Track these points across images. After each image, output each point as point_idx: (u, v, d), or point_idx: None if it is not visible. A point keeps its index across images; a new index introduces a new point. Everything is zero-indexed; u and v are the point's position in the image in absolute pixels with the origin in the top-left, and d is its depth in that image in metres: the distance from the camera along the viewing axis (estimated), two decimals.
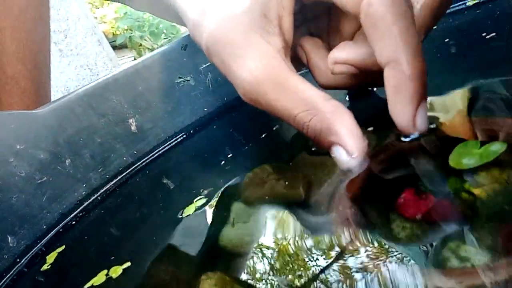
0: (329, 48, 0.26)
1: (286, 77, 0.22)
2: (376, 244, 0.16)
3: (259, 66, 0.22)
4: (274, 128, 0.31)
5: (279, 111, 0.22)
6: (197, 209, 0.24)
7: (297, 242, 0.18)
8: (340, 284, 0.15)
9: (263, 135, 0.31)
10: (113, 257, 0.23)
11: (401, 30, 0.18)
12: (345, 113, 0.20)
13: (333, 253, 0.17)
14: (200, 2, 0.30)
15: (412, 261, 0.15)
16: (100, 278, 0.21)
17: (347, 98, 0.31)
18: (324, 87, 0.26)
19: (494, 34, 0.29)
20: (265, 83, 0.22)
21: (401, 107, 0.19)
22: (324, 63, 0.25)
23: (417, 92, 0.19)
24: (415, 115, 0.19)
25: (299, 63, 0.28)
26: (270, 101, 0.22)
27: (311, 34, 0.28)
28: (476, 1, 0.36)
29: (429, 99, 0.22)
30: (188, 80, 0.36)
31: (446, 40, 0.33)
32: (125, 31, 2.42)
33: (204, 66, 0.36)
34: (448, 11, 0.37)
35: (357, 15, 0.20)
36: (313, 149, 0.26)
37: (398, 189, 0.18)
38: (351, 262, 0.16)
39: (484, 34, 0.30)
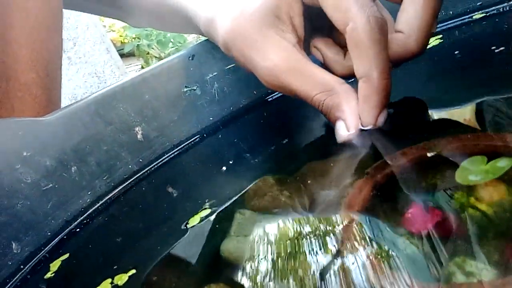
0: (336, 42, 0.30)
1: (304, 65, 0.26)
2: (381, 259, 0.16)
3: (280, 57, 0.27)
4: (280, 137, 0.31)
5: (300, 93, 0.26)
6: (202, 219, 0.24)
7: (299, 254, 0.18)
8: None
9: (268, 145, 0.31)
10: (116, 266, 0.23)
11: (375, 54, 0.23)
12: (353, 97, 0.25)
13: (336, 267, 0.17)
14: (211, 2, 0.32)
15: (417, 276, 0.15)
16: (105, 286, 0.21)
17: None
18: (341, 77, 0.28)
19: (503, 48, 0.29)
20: (287, 71, 0.26)
21: (367, 111, 0.24)
22: (339, 57, 0.29)
23: (381, 102, 0.24)
24: (378, 117, 0.24)
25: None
26: (291, 86, 0.26)
27: (315, 29, 0.31)
28: (482, 15, 0.36)
29: (442, 113, 0.27)
30: (194, 90, 0.36)
31: (456, 52, 0.33)
32: (133, 40, 2.45)
33: (211, 76, 0.37)
34: (454, 24, 0.37)
35: (343, 33, 0.24)
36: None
37: (405, 203, 0.18)
38: (355, 276, 0.16)
39: (493, 48, 0.30)
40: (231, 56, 0.30)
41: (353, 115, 0.25)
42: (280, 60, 0.27)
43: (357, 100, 0.25)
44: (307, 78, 0.26)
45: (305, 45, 0.29)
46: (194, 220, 0.24)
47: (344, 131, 0.25)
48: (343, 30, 0.24)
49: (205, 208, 0.25)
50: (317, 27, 0.31)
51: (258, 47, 0.27)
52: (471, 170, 0.18)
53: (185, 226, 0.24)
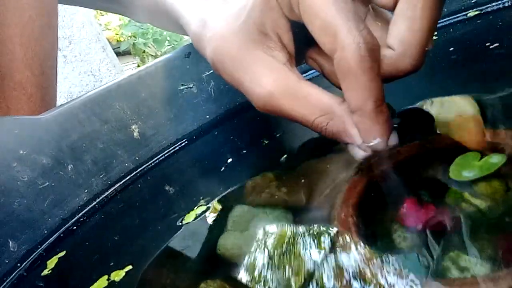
0: None
1: (298, 86, 0.24)
2: (376, 253, 0.16)
3: (270, 80, 0.24)
4: (276, 135, 0.31)
5: (297, 118, 0.24)
6: (197, 216, 0.24)
7: (296, 250, 0.18)
8: None
9: (265, 143, 0.31)
10: (113, 263, 0.23)
11: (367, 83, 0.21)
12: None
13: (332, 261, 0.17)
14: (200, 11, 0.30)
15: (412, 271, 0.15)
16: (101, 283, 0.21)
17: None
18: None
19: (497, 44, 0.29)
20: (279, 95, 0.24)
21: (374, 143, 0.21)
22: None
23: (384, 131, 0.21)
24: (388, 142, 0.21)
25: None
26: (287, 111, 0.24)
27: (310, 39, 0.28)
28: (477, 12, 0.36)
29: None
30: (190, 88, 0.36)
31: (451, 49, 0.33)
32: (129, 38, 2.44)
33: (207, 73, 0.37)
34: (448, 22, 0.37)
35: (332, 58, 0.22)
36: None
37: (399, 199, 0.18)
38: (350, 270, 0.16)
39: (488, 44, 0.30)
40: (222, 78, 0.28)
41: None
42: (270, 83, 0.24)
43: None
44: (302, 101, 0.23)
45: (300, 58, 0.27)
46: (189, 217, 0.24)
47: (361, 153, 0.22)
48: (331, 56, 0.22)
49: (201, 205, 0.25)
50: (312, 37, 0.29)
51: (246, 70, 0.25)
52: (465, 166, 0.18)
53: (181, 222, 0.24)
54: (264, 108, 0.25)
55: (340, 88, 0.25)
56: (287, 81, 0.24)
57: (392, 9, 0.23)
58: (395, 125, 0.22)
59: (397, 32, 0.22)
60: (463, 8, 0.37)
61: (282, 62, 0.25)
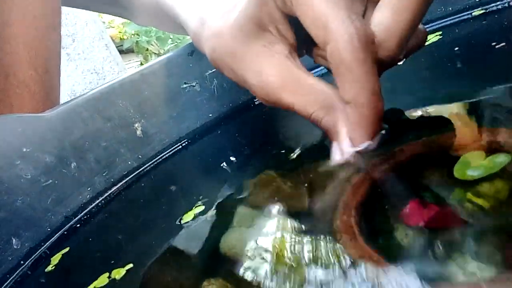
0: None
1: (301, 78, 0.24)
2: (379, 253, 0.16)
3: (273, 73, 0.24)
4: (280, 135, 0.31)
5: (297, 110, 0.24)
6: (196, 215, 0.24)
7: (299, 249, 0.18)
8: None
9: (268, 142, 0.31)
10: (114, 261, 0.23)
11: (360, 76, 0.20)
12: None
13: (335, 261, 0.17)
14: (198, 10, 0.30)
15: (416, 272, 0.15)
16: (102, 280, 0.21)
17: None
18: None
19: (503, 44, 0.29)
20: (282, 87, 0.24)
21: (358, 139, 0.21)
22: None
23: (372, 129, 0.21)
24: (372, 142, 0.21)
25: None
26: (288, 101, 0.24)
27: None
28: (482, 11, 0.36)
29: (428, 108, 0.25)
30: (193, 86, 0.36)
31: (456, 48, 0.33)
32: (132, 36, 2.44)
33: (210, 72, 0.37)
34: (453, 20, 0.37)
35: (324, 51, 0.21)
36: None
37: (402, 199, 0.18)
38: (353, 270, 0.16)
39: (493, 44, 0.30)
40: (226, 76, 0.28)
41: (347, 139, 0.22)
42: (273, 76, 0.24)
43: None
44: (304, 92, 0.23)
45: (300, 51, 0.27)
46: (188, 216, 0.24)
47: (338, 155, 0.22)
48: (323, 49, 0.21)
49: (200, 205, 0.25)
50: None
51: (249, 65, 0.25)
52: (469, 166, 0.18)
53: (179, 222, 0.24)
54: (268, 99, 0.25)
55: None
56: (290, 73, 0.24)
57: None
58: (383, 131, 0.22)
59: (378, 20, 0.21)
60: (467, 7, 0.37)
61: (284, 54, 0.25)
